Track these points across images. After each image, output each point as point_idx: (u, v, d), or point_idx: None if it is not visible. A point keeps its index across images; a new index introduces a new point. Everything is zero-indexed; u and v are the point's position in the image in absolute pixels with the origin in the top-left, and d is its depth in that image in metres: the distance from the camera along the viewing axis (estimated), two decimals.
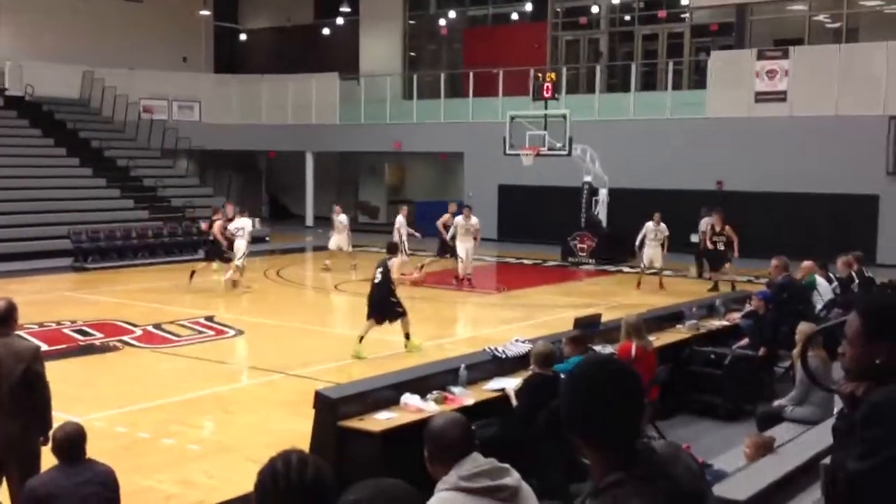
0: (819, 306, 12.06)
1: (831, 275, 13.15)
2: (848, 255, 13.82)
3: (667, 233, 18.90)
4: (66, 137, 27.34)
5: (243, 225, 18.15)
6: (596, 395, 2.29)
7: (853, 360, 2.77)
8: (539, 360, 7.64)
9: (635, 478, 2.22)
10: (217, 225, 18.15)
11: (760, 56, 25.15)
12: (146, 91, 30.91)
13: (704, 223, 20.62)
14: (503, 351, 8.80)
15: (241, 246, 17.95)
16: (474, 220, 19.23)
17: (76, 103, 29.62)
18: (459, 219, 19.30)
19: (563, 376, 7.82)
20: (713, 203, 20.03)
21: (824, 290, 12.54)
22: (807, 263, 12.97)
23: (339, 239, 21.15)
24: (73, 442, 4.91)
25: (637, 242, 19.01)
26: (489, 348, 8.98)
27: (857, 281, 13.18)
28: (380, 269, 12.49)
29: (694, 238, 20.95)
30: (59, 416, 9.52)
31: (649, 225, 18.80)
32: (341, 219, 21.16)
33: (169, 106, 31.81)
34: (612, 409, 2.28)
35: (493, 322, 15.79)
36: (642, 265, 19.03)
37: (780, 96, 24.59)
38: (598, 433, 2.30)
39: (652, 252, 18.74)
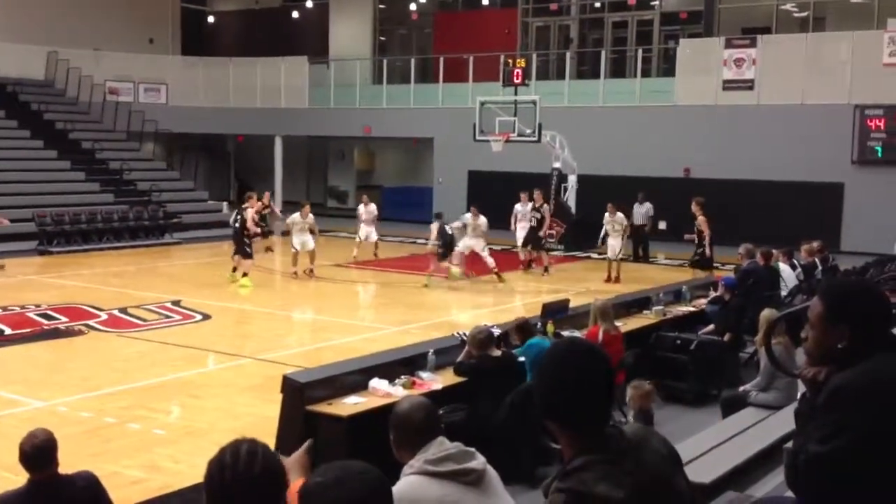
0: (784, 293, 12.22)
1: (795, 262, 13.33)
2: (812, 242, 14.04)
3: (625, 223, 18.45)
4: (31, 119, 26.92)
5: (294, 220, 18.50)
6: (566, 377, 2.30)
7: (815, 344, 2.81)
8: (476, 344, 7.69)
9: (603, 461, 2.23)
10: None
11: (728, 44, 25.30)
12: (112, 73, 30.48)
13: (647, 208, 21.00)
14: None
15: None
16: (482, 219, 18.01)
17: (41, 84, 29.17)
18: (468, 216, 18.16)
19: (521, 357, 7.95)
20: (694, 190, 19.36)
21: (788, 276, 12.71)
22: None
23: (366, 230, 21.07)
24: (43, 454, 4.57)
25: (602, 236, 18.64)
26: (457, 333, 9.00)
27: (820, 268, 13.39)
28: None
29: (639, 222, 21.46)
30: (25, 400, 9.49)
31: (606, 216, 18.29)
32: (371, 209, 21.29)
33: (135, 88, 31.38)
34: (581, 390, 2.29)
35: (463, 307, 15.83)
36: (608, 257, 18.43)
37: (748, 84, 24.77)
38: (568, 415, 2.31)
39: (613, 242, 18.14)
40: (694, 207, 17.02)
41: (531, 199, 19.55)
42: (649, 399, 7.31)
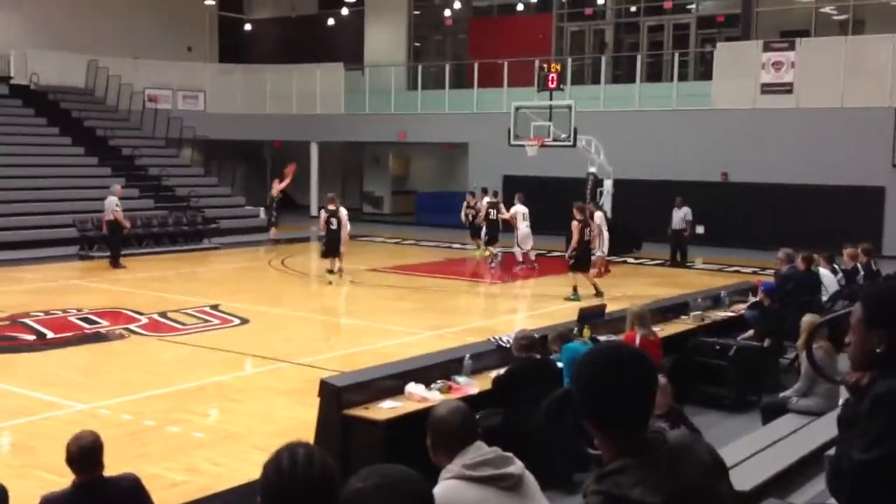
0: (824, 298, 12.05)
1: (836, 266, 13.15)
2: (854, 246, 13.82)
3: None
4: (72, 126, 27.33)
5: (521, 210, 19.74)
6: (607, 378, 2.28)
7: (856, 349, 2.78)
8: (519, 348, 7.69)
9: (641, 466, 2.21)
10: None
11: (766, 48, 25.07)
12: (150, 80, 30.88)
13: (685, 212, 20.91)
14: (507, 340, 8.80)
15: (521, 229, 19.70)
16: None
17: (81, 92, 29.60)
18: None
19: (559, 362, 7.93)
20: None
21: (829, 281, 12.54)
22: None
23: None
24: (89, 456, 4.63)
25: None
26: (494, 338, 8.99)
27: (861, 273, 13.18)
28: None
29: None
30: (66, 403, 9.61)
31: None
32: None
33: (173, 95, 31.79)
34: (624, 393, 2.26)
35: (498, 312, 15.81)
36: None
37: (786, 88, 24.52)
38: (607, 416, 2.29)
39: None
40: (574, 211, 17.04)
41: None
42: (666, 394, 6.90)
